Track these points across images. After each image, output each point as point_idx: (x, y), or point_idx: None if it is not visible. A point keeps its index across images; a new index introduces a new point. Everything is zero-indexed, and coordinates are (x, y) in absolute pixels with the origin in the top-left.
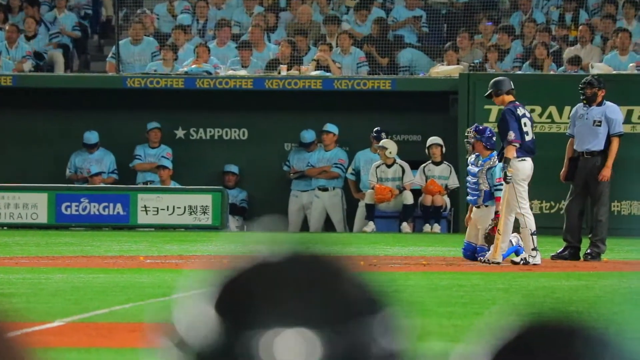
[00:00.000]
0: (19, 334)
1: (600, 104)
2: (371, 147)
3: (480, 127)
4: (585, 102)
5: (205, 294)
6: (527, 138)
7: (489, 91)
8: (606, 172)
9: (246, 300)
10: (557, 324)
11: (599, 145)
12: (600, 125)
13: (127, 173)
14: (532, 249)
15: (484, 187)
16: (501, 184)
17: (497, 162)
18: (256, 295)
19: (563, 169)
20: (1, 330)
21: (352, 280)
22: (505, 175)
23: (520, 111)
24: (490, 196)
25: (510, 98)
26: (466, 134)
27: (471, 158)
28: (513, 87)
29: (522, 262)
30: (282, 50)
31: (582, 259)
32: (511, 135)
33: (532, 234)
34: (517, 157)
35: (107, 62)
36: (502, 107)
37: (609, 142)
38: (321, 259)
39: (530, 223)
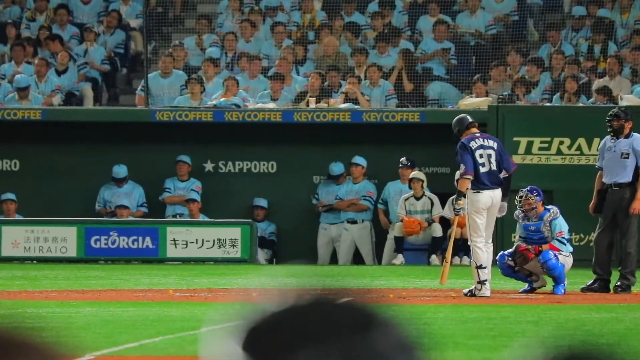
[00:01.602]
0: None
1: (627, 136)
2: (401, 178)
3: (533, 188)
4: (612, 134)
5: (233, 332)
6: (483, 170)
7: (454, 132)
8: (637, 205)
9: (273, 343)
10: (588, 356)
11: (626, 178)
12: (627, 158)
13: (156, 206)
14: (478, 282)
15: (549, 237)
16: (562, 237)
17: (558, 214)
18: (283, 339)
19: (592, 202)
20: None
21: (381, 329)
22: (454, 208)
23: (475, 143)
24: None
25: (472, 131)
26: (519, 199)
27: (522, 220)
28: (471, 120)
29: (468, 294)
30: (311, 82)
31: (612, 291)
32: (462, 168)
33: (477, 267)
34: (472, 189)
35: (136, 96)
36: None
37: (637, 174)
38: (351, 307)
39: (477, 256)
